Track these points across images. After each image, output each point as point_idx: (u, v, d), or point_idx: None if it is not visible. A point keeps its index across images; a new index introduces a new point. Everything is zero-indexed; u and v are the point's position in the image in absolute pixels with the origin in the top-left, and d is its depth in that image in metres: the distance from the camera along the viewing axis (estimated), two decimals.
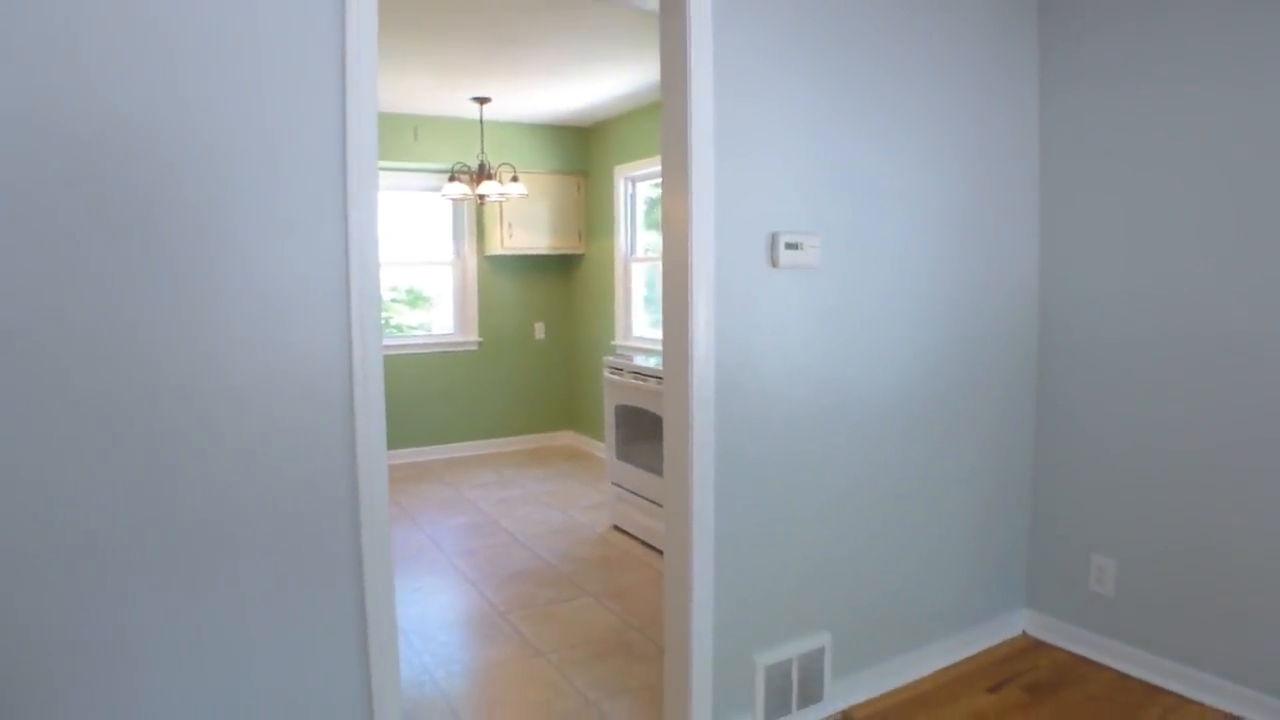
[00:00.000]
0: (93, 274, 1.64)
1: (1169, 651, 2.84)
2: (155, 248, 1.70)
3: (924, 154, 2.84)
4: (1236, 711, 2.65)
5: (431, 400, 6.64)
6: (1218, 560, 2.70)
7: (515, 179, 5.86)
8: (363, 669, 1.99)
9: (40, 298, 1.60)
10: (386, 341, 6.11)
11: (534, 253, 6.67)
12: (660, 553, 2.60)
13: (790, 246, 2.52)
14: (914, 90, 2.79)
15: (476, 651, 3.26)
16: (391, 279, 6.58)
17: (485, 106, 5.83)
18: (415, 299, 6.81)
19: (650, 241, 6.23)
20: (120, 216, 1.66)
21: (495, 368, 6.90)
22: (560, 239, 6.72)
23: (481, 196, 5.79)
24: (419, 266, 6.71)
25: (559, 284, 7.14)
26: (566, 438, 7.24)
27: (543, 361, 7.13)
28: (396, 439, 6.25)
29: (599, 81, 5.25)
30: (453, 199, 6.05)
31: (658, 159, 2.49)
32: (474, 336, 6.79)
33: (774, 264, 2.52)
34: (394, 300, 6.68)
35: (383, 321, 2.00)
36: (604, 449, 5.07)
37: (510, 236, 6.47)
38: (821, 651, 2.70)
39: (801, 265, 2.56)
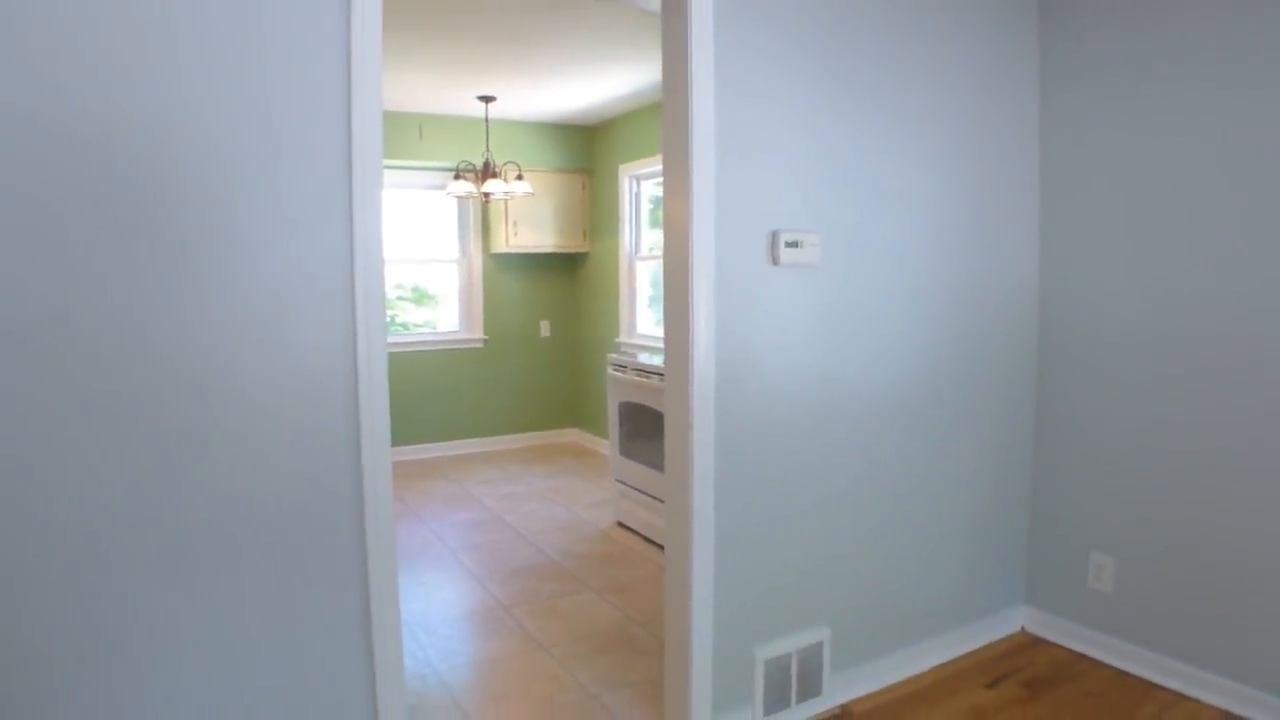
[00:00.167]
0: (98, 273, 1.67)
1: (1167, 649, 2.86)
2: (161, 247, 1.72)
3: (924, 153, 2.86)
4: (1233, 709, 2.67)
5: (437, 398, 6.67)
6: (1216, 559, 2.72)
7: (520, 177, 5.90)
8: (367, 662, 2.02)
9: (47, 297, 1.62)
10: (392, 339, 6.15)
11: (539, 251, 6.70)
12: (663, 549, 2.63)
13: (790, 245, 2.55)
14: (914, 90, 2.82)
15: (480, 645, 3.29)
16: (397, 277, 6.62)
17: (490, 105, 5.86)
18: (421, 297, 6.85)
19: (655, 240, 6.25)
20: (126, 216, 1.69)
21: (500, 365, 6.93)
22: (565, 237, 6.75)
23: (486, 195, 5.82)
24: (424, 264, 6.74)
25: (564, 282, 7.17)
26: (571, 435, 7.27)
27: (548, 359, 7.16)
28: (402, 436, 6.29)
29: (603, 80, 5.27)
30: (458, 197, 6.09)
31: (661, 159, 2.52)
32: (479, 334, 6.83)
33: (775, 262, 2.54)
34: (399, 298, 6.72)
35: (388, 319, 2.03)
36: (608, 446, 5.10)
37: (515, 235, 6.50)
38: (820, 646, 2.72)
39: (802, 263, 2.59)
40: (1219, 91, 2.65)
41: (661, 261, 2.55)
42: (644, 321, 6.39)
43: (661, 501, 4.10)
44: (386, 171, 1.96)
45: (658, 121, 2.56)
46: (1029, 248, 3.20)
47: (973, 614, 3.18)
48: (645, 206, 6.38)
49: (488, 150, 5.97)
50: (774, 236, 2.54)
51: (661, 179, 2.53)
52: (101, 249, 1.67)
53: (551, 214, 6.65)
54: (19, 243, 1.59)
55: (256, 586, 1.87)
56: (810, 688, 2.72)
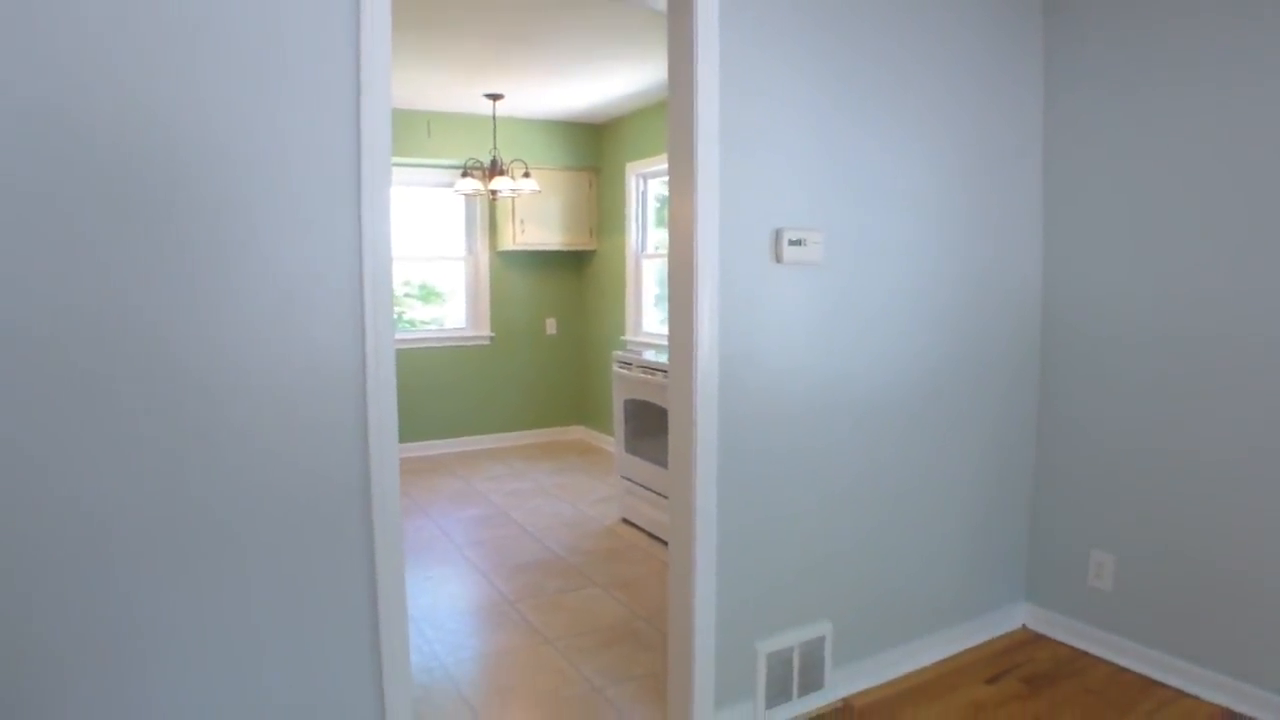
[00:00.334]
0: (109, 271, 1.69)
1: (1166, 646, 2.88)
2: (171, 245, 1.75)
3: (927, 152, 2.88)
4: (1232, 706, 2.69)
5: (443, 394, 6.71)
6: (1216, 557, 2.74)
7: (527, 175, 5.93)
8: (374, 655, 2.04)
9: (60, 295, 1.65)
10: (399, 336, 6.19)
11: (546, 248, 6.74)
12: (667, 544, 2.66)
13: (794, 243, 2.57)
14: (917, 89, 2.83)
15: (486, 639, 3.32)
16: (404, 274, 6.65)
17: (498, 103, 5.89)
18: (428, 294, 6.88)
19: (661, 238, 6.28)
20: (138, 215, 1.71)
21: (507, 362, 6.97)
22: (572, 235, 6.78)
23: (494, 192, 5.85)
24: (432, 261, 6.78)
25: (571, 280, 7.20)
26: (577, 432, 7.31)
27: (554, 357, 7.20)
28: (409, 433, 6.33)
29: (610, 79, 5.30)
30: (465, 194, 6.12)
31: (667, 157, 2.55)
32: (486, 331, 6.86)
33: (778, 260, 2.57)
34: (406, 295, 6.76)
35: (395, 316, 2.05)
36: (613, 443, 5.12)
37: (522, 232, 6.53)
38: (822, 640, 2.75)
39: (805, 261, 2.61)
40: (1223, 92, 2.66)
41: (667, 261, 2.58)
42: (650, 319, 6.41)
43: (666, 498, 4.12)
44: (394, 169, 1.99)
45: (664, 120, 2.59)
46: (1032, 247, 3.22)
47: (974, 610, 3.20)
48: (652, 205, 6.41)
49: (495, 148, 6.01)
50: (777, 234, 2.56)
51: (668, 177, 2.56)
52: (112, 248, 1.69)
53: (558, 212, 6.68)
54: (31, 240, 1.62)
55: (264, 581, 1.90)
56: (812, 681, 2.75)
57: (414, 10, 3.78)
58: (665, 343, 2.78)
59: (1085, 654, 3.10)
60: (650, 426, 4.50)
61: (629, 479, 4.77)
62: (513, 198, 6.27)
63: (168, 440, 1.77)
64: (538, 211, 6.55)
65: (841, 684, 2.83)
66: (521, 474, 6.05)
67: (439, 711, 2.76)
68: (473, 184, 5.79)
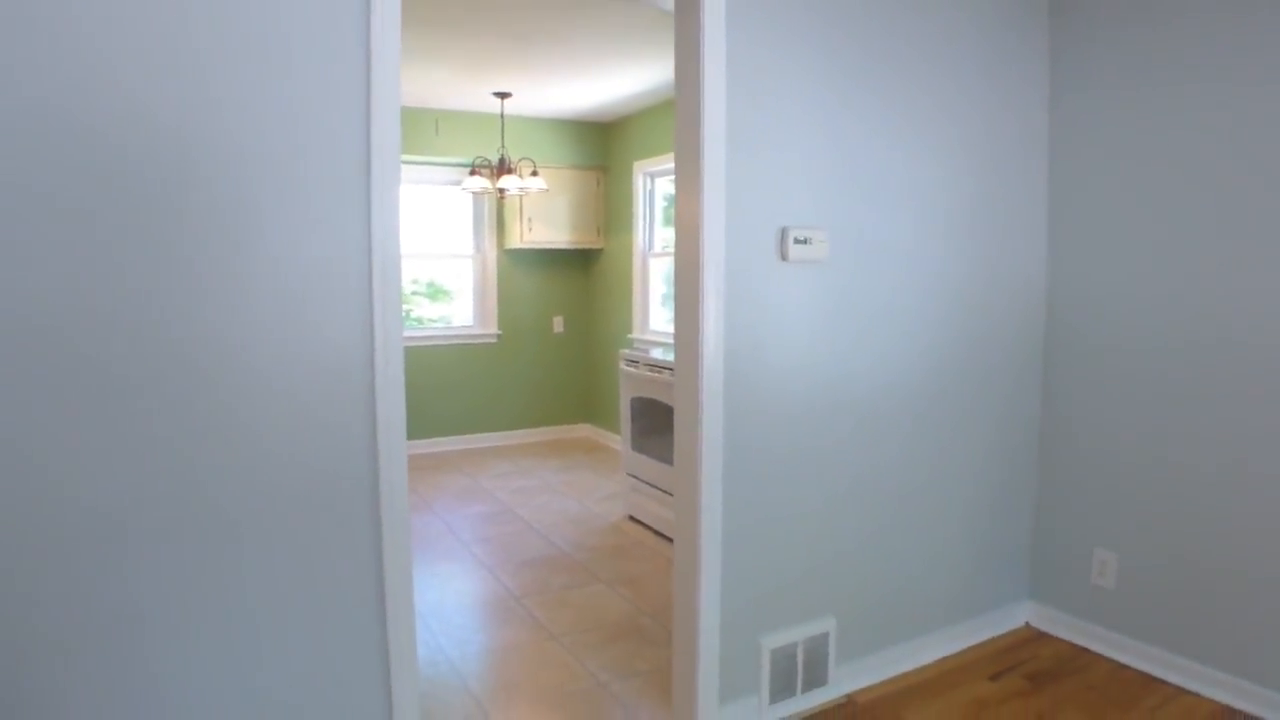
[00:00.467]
0: (122, 271, 1.72)
1: (1167, 644, 2.89)
2: (183, 244, 1.77)
3: (933, 152, 2.89)
4: (1233, 703, 2.70)
5: (450, 392, 6.74)
6: (1218, 556, 2.75)
7: (535, 173, 5.95)
8: (381, 649, 2.07)
9: (71, 295, 1.67)
10: (407, 333, 6.21)
11: (553, 247, 6.76)
12: (673, 542, 2.69)
13: (800, 241, 2.59)
14: (923, 90, 2.85)
15: (492, 634, 3.35)
16: (412, 271, 6.68)
17: (506, 101, 5.91)
18: (435, 292, 6.91)
19: (668, 237, 6.30)
20: (150, 214, 1.73)
21: (514, 360, 6.99)
22: (579, 233, 6.80)
23: (502, 190, 5.88)
24: (439, 259, 6.81)
25: (578, 278, 7.23)
26: (584, 430, 7.33)
27: (561, 355, 7.22)
28: (416, 429, 6.36)
29: (618, 78, 5.32)
30: (473, 193, 6.15)
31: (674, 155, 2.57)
32: (493, 329, 6.89)
33: (784, 258, 2.59)
34: (414, 293, 6.78)
35: (403, 313, 2.08)
36: (620, 441, 5.15)
37: (530, 230, 6.56)
38: (826, 637, 2.77)
39: (810, 260, 2.63)
40: (1229, 92, 2.67)
41: (674, 260, 2.60)
42: (657, 318, 6.44)
43: (672, 495, 4.15)
44: (403, 167, 2.01)
45: (672, 119, 2.61)
46: (1036, 248, 3.23)
47: (977, 608, 3.22)
48: (659, 203, 6.43)
49: (503, 146, 6.04)
50: (783, 233, 2.58)
51: (675, 176, 2.58)
52: (123, 248, 1.71)
53: (566, 210, 6.70)
54: (42, 240, 1.64)
55: (274, 576, 1.92)
56: (816, 677, 2.77)
57: (422, 8, 3.81)
58: (672, 341, 2.80)
59: (1087, 651, 3.12)
60: (657, 424, 4.52)
61: (635, 476, 4.79)
62: (520, 196, 6.30)
63: (178, 438, 1.80)
64: (545, 210, 6.58)
65: (845, 680, 2.85)
66: (528, 471, 6.08)
67: (445, 705, 2.79)
68: (481, 182, 5.82)
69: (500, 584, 3.88)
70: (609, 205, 6.89)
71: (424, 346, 6.58)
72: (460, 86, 5.53)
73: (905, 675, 2.98)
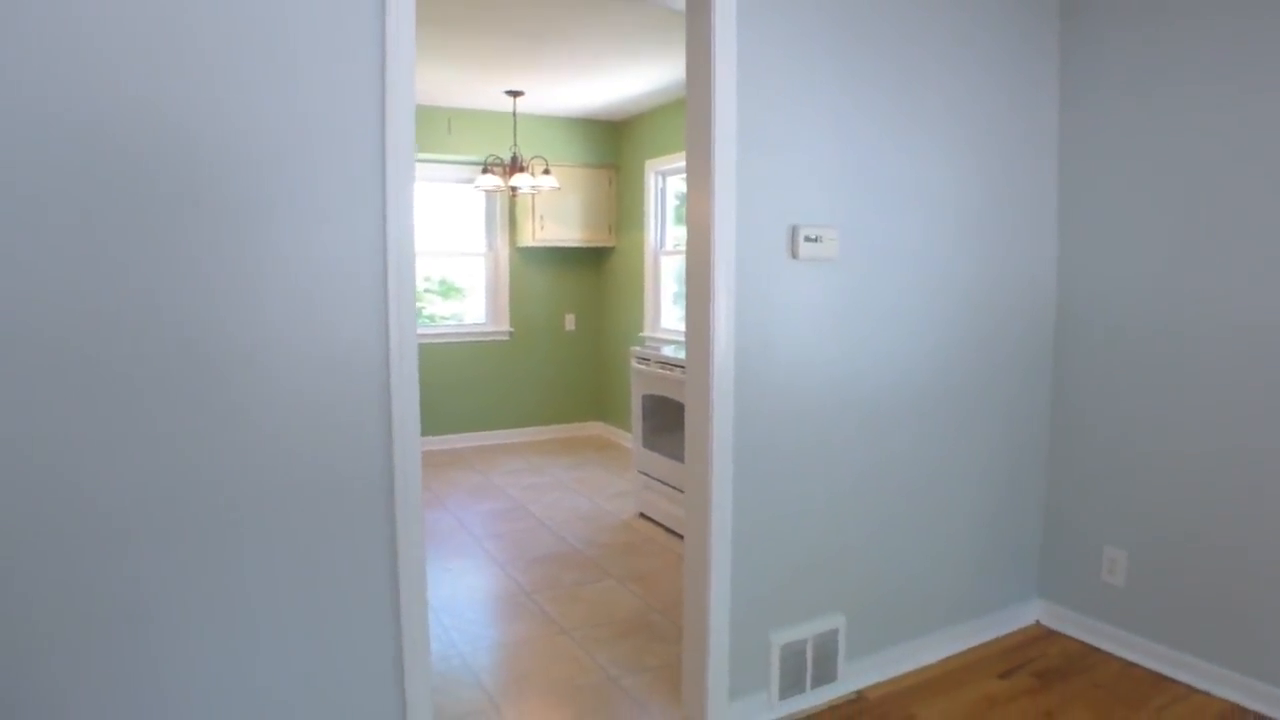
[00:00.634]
0: (135, 271, 1.74)
1: (1178, 642, 2.89)
2: (196, 245, 1.79)
3: (943, 152, 2.90)
4: (1243, 703, 2.70)
5: (463, 389, 6.78)
6: (1228, 554, 2.75)
7: (547, 172, 5.98)
8: (395, 642, 2.10)
9: (84, 297, 1.70)
10: (419, 331, 6.22)
11: (565, 245, 6.79)
12: (684, 539, 2.71)
13: (810, 239, 2.60)
14: (934, 89, 2.86)
15: (503, 629, 3.38)
16: (424, 269, 6.71)
17: (518, 99, 5.94)
18: (448, 289, 6.95)
19: (680, 235, 6.31)
20: (162, 215, 1.76)
21: (526, 358, 7.02)
22: (591, 232, 6.82)
23: (514, 189, 5.91)
24: (452, 257, 6.84)
25: (589, 276, 7.25)
26: (595, 428, 7.36)
27: (573, 353, 7.25)
28: (427, 426, 6.33)
29: (630, 76, 5.34)
30: (485, 191, 6.18)
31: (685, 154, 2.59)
32: (505, 327, 6.92)
33: (794, 255, 2.60)
34: (426, 290, 6.82)
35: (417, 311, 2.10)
36: (631, 439, 5.17)
37: (542, 229, 6.59)
38: (836, 633, 2.78)
39: (820, 258, 2.64)
40: (1240, 94, 2.66)
41: (685, 258, 2.62)
42: (668, 316, 6.45)
43: (683, 492, 4.16)
44: (415, 165, 2.03)
45: (683, 117, 2.62)
46: (1046, 247, 3.23)
47: (987, 606, 3.22)
48: (671, 202, 6.44)
49: (515, 144, 6.06)
50: (794, 231, 2.59)
51: (686, 174, 2.59)
52: (136, 249, 1.74)
53: (578, 208, 6.72)
54: (55, 243, 1.66)
55: (290, 572, 1.95)
56: (825, 673, 2.78)
57: (435, 7, 3.83)
58: (683, 339, 2.82)
59: (1097, 650, 3.12)
60: (668, 422, 4.54)
61: (646, 474, 4.81)
62: (532, 194, 6.33)
63: (191, 438, 1.82)
64: (557, 208, 6.60)
65: (854, 677, 2.86)
66: (539, 469, 6.11)
67: (457, 699, 2.81)
68: (493, 180, 5.85)
69: (512, 579, 3.91)
70: (620, 203, 6.90)
71: (436, 344, 6.61)
72: (473, 85, 5.55)
73: (915, 672, 2.99)
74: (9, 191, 1.62)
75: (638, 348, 4.99)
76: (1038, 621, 3.37)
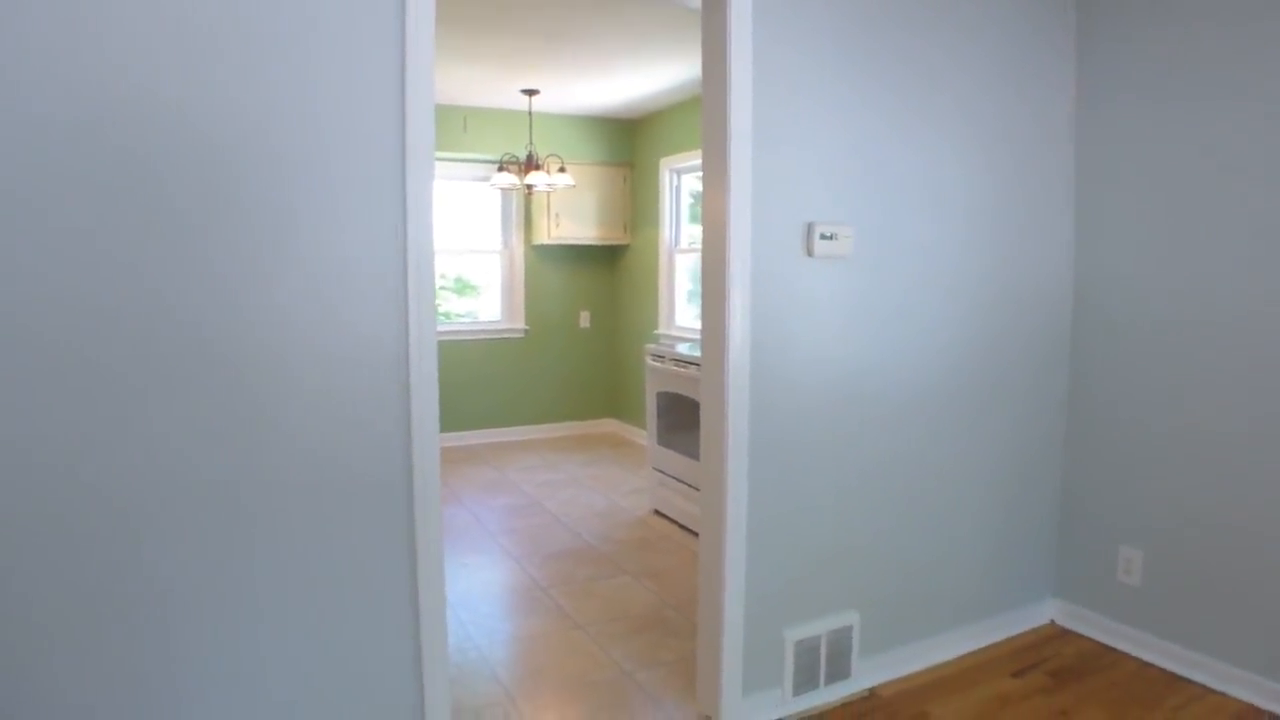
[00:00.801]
0: (154, 273, 1.77)
1: (1194, 642, 2.88)
2: (215, 246, 1.82)
3: (956, 150, 2.90)
4: (1260, 704, 2.69)
5: (478, 386, 6.81)
6: (1246, 554, 2.74)
7: (563, 170, 6.00)
8: (414, 636, 2.12)
9: (104, 297, 1.73)
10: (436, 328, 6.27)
11: (580, 243, 6.81)
12: (698, 536, 2.73)
13: (825, 237, 2.61)
14: (946, 87, 2.86)
15: (519, 623, 3.40)
16: (439, 266, 6.70)
17: (534, 98, 5.96)
18: (463, 287, 6.98)
19: (695, 234, 6.32)
20: (181, 216, 1.78)
21: (541, 355, 7.05)
22: (606, 229, 6.84)
23: (529, 187, 5.94)
24: (467, 255, 6.88)
25: (604, 274, 7.27)
26: (610, 425, 7.38)
27: (588, 350, 7.27)
28: (443, 423, 6.33)
29: (645, 75, 5.35)
30: (501, 189, 6.21)
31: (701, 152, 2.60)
32: (520, 324, 6.95)
33: (809, 253, 2.61)
34: (442, 288, 6.85)
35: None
36: (645, 437, 5.18)
37: (557, 226, 6.61)
38: (850, 630, 2.79)
39: (835, 255, 2.65)
40: (1258, 85, 2.64)
41: (700, 255, 2.63)
42: (682, 313, 6.46)
43: (698, 490, 4.18)
44: (435, 164, 2.05)
45: (698, 116, 2.63)
46: (1061, 245, 3.22)
47: (1001, 605, 3.22)
48: (685, 200, 6.45)
49: (531, 143, 6.09)
50: (809, 228, 2.60)
51: (701, 172, 2.61)
52: (156, 248, 1.76)
53: (593, 206, 6.74)
54: (76, 244, 1.69)
55: (309, 568, 1.98)
56: (839, 670, 2.79)
57: (451, 7, 3.85)
58: (698, 336, 2.83)
59: (1112, 649, 3.11)
60: (683, 420, 4.55)
61: (661, 471, 4.83)
62: (548, 192, 6.35)
63: (213, 438, 1.85)
64: (572, 206, 6.63)
65: (868, 674, 2.87)
66: (554, 465, 6.14)
67: (474, 692, 2.84)
68: (509, 178, 5.88)
69: (527, 574, 3.94)
70: (635, 201, 6.92)
71: (451, 341, 6.65)
72: (489, 84, 5.58)
73: (929, 670, 2.99)
74: (33, 194, 1.65)
75: (652, 345, 5.00)
76: (1052, 621, 3.37)
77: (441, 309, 6.83)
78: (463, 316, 6.96)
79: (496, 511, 4.98)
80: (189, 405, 1.82)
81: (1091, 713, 2.70)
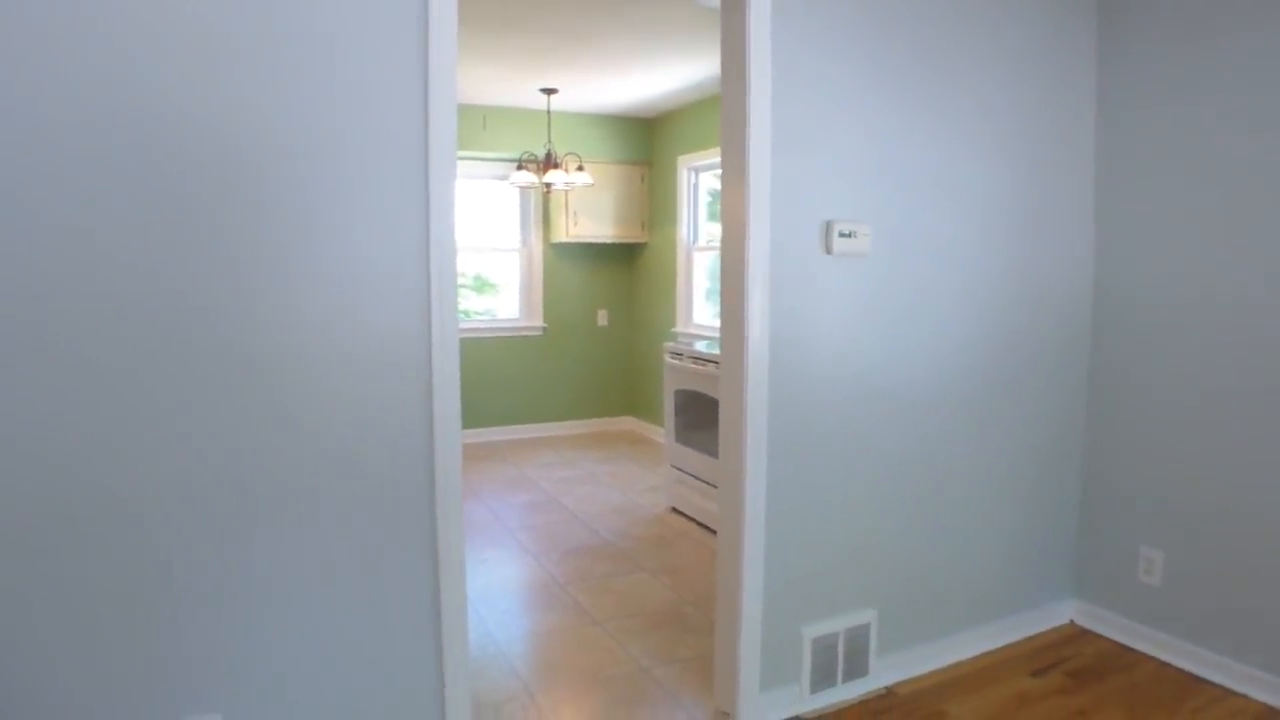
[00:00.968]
0: (177, 270, 1.80)
1: (1215, 644, 2.86)
2: (237, 246, 1.85)
3: (970, 147, 2.89)
4: None
5: (496, 383, 6.84)
6: (1268, 554, 2.72)
7: (581, 168, 6.02)
8: (435, 631, 2.15)
9: (118, 295, 1.76)
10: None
11: (598, 241, 6.83)
12: (716, 533, 2.74)
13: (844, 235, 2.61)
14: (966, 86, 2.85)
15: (537, 619, 3.43)
16: (459, 264, 6.74)
17: (553, 97, 5.98)
18: (481, 285, 7.01)
19: (713, 232, 6.33)
20: (205, 214, 1.82)
21: (559, 353, 7.08)
22: (624, 228, 6.86)
23: (548, 185, 5.96)
24: (486, 253, 6.91)
25: (622, 272, 7.28)
26: (627, 423, 7.39)
27: (606, 348, 7.29)
28: (462, 420, 6.44)
29: (663, 74, 5.36)
30: (520, 187, 6.23)
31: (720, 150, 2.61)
32: (539, 322, 6.98)
33: (828, 251, 2.61)
34: (460, 285, 6.85)
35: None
36: (663, 434, 5.19)
37: (575, 225, 6.63)
38: (867, 628, 2.79)
39: (853, 253, 2.65)
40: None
41: (719, 253, 2.64)
42: (700, 312, 6.47)
43: (715, 487, 4.19)
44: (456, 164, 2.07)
45: (716, 114, 2.64)
46: (1081, 245, 3.21)
47: (1020, 604, 3.21)
48: (704, 198, 6.46)
49: (549, 141, 6.11)
50: (828, 226, 2.60)
51: (720, 171, 2.61)
52: (179, 247, 1.79)
53: (611, 204, 6.76)
54: (100, 240, 1.73)
55: (332, 565, 2.01)
56: (857, 668, 2.80)
57: (471, 6, 3.88)
58: (716, 334, 2.84)
59: (1132, 650, 3.10)
60: (701, 417, 4.56)
61: (679, 468, 4.84)
62: (566, 190, 6.38)
63: (235, 437, 1.88)
64: (590, 204, 6.65)
65: (885, 672, 2.87)
66: (572, 462, 6.16)
67: (494, 686, 2.86)
68: (527, 177, 5.90)
69: (545, 571, 3.96)
70: (653, 199, 6.93)
71: (470, 339, 6.68)
72: (508, 83, 5.60)
73: (947, 669, 2.99)
74: (57, 196, 1.68)
75: (670, 343, 5.01)
76: (1072, 621, 3.36)
77: (460, 307, 6.84)
78: (481, 314, 6.99)
79: (515, 508, 5.01)
80: (210, 405, 1.85)
81: (1111, 713, 2.69)
